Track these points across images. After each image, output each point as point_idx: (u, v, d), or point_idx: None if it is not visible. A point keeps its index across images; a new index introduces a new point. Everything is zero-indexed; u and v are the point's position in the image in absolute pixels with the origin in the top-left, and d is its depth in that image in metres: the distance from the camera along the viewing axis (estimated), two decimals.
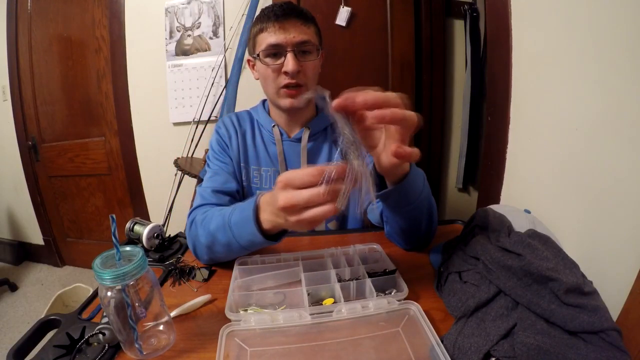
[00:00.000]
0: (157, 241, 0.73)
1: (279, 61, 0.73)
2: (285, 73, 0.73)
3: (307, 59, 0.75)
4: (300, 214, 0.43)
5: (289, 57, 0.72)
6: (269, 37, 0.73)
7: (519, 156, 0.85)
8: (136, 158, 1.94)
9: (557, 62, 0.69)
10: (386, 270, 0.57)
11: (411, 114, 0.44)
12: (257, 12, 1.58)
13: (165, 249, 0.74)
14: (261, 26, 0.75)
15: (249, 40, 0.81)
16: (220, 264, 0.68)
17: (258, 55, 0.75)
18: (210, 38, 1.71)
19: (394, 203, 0.59)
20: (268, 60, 0.74)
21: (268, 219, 0.52)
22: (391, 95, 0.44)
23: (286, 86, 0.74)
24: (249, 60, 0.83)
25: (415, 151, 0.45)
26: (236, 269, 0.60)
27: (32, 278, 2.26)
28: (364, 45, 1.62)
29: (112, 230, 0.43)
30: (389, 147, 0.47)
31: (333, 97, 0.44)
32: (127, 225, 0.74)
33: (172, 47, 1.75)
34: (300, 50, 0.74)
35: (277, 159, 0.83)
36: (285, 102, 0.77)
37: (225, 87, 1.69)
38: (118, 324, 0.43)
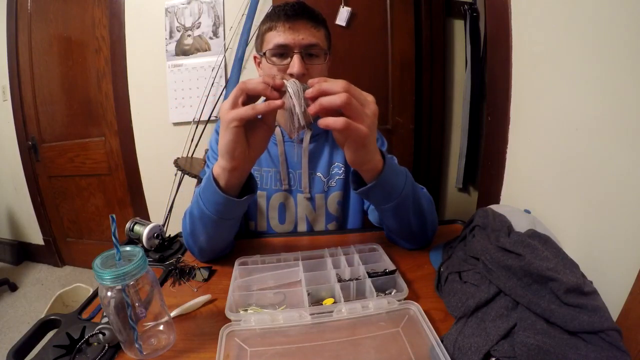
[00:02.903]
0: (157, 241, 0.73)
1: (285, 62, 0.72)
2: (291, 75, 0.72)
3: (313, 62, 0.74)
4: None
5: (296, 58, 0.70)
6: (278, 36, 0.72)
7: (519, 156, 0.85)
8: (136, 158, 1.94)
9: (557, 62, 0.69)
10: (386, 270, 0.57)
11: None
12: (257, 13, 1.60)
13: (165, 249, 0.74)
14: (270, 24, 0.73)
15: (257, 36, 0.80)
16: (220, 263, 0.68)
17: (265, 53, 0.74)
18: (210, 38, 1.71)
19: (375, 201, 0.61)
20: (274, 59, 0.73)
21: (217, 172, 0.57)
22: (326, 85, 0.48)
23: None
24: (255, 57, 0.82)
25: (335, 121, 0.47)
26: (236, 269, 0.60)
27: (32, 278, 2.26)
28: (364, 45, 1.62)
29: (112, 230, 0.43)
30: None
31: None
32: (127, 225, 0.74)
33: (172, 47, 1.75)
34: (307, 52, 0.73)
35: (278, 160, 0.83)
36: None
37: (225, 87, 1.69)
38: (118, 324, 0.43)
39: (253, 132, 0.54)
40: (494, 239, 0.53)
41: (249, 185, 0.61)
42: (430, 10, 1.63)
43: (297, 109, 0.50)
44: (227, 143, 0.52)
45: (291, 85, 0.51)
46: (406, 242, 0.70)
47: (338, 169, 0.85)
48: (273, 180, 0.84)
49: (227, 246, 0.71)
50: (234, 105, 0.51)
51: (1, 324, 1.77)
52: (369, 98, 0.51)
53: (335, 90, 0.47)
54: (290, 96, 0.50)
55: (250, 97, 0.52)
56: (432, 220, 0.69)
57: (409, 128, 1.70)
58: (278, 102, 0.50)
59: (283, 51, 0.72)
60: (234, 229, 0.68)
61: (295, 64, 0.70)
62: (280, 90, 0.51)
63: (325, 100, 0.47)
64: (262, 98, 0.52)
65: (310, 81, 0.50)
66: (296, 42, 0.71)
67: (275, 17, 0.73)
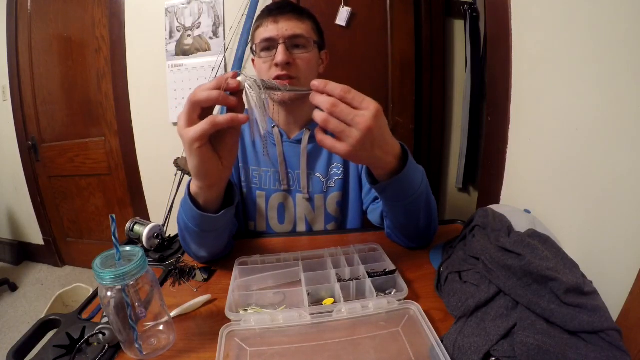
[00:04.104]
0: (157, 241, 0.73)
1: (272, 53, 0.74)
2: (276, 65, 0.74)
3: (299, 52, 0.76)
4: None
5: (280, 48, 0.73)
6: (264, 31, 0.75)
7: (519, 156, 0.85)
8: (136, 158, 1.94)
9: (557, 62, 0.69)
10: (386, 270, 0.57)
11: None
12: (257, 12, 1.59)
13: (165, 249, 0.74)
14: (258, 23, 0.78)
15: (250, 39, 0.83)
16: (220, 263, 0.68)
17: (254, 48, 0.78)
18: (210, 38, 1.71)
19: (390, 196, 0.60)
20: (263, 54, 0.76)
21: (195, 191, 0.55)
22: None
23: (277, 78, 0.74)
24: (253, 60, 0.84)
25: (325, 142, 0.48)
26: (236, 269, 0.60)
27: (32, 278, 2.26)
28: (364, 45, 1.62)
29: (112, 230, 0.43)
30: None
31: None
32: (127, 225, 0.74)
33: (172, 47, 1.75)
34: (293, 43, 0.75)
35: (277, 160, 0.83)
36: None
37: None
38: (118, 324, 0.43)
39: (220, 140, 0.50)
40: (494, 238, 0.53)
41: (230, 195, 0.60)
42: (430, 10, 1.63)
43: (258, 116, 0.44)
44: (197, 166, 0.49)
45: (250, 88, 0.44)
46: (409, 241, 0.70)
47: (337, 170, 0.85)
48: (272, 180, 0.84)
49: (225, 248, 0.69)
50: (190, 122, 0.46)
51: (1, 324, 1.77)
52: (362, 116, 0.45)
53: (333, 93, 0.46)
54: (249, 99, 0.45)
55: (206, 107, 0.48)
56: (436, 219, 0.69)
57: (409, 128, 1.70)
58: (241, 116, 0.46)
59: (269, 44, 0.75)
60: (223, 237, 0.66)
61: (279, 53, 0.73)
62: (239, 91, 0.46)
63: (315, 101, 0.47)
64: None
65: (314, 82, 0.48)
66: (280, 34, 0.74)
67: (261, 16, 0.78)
